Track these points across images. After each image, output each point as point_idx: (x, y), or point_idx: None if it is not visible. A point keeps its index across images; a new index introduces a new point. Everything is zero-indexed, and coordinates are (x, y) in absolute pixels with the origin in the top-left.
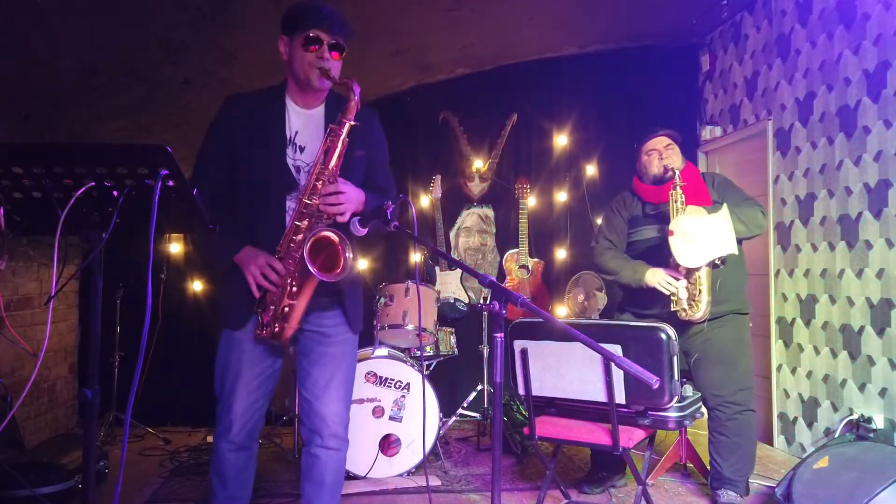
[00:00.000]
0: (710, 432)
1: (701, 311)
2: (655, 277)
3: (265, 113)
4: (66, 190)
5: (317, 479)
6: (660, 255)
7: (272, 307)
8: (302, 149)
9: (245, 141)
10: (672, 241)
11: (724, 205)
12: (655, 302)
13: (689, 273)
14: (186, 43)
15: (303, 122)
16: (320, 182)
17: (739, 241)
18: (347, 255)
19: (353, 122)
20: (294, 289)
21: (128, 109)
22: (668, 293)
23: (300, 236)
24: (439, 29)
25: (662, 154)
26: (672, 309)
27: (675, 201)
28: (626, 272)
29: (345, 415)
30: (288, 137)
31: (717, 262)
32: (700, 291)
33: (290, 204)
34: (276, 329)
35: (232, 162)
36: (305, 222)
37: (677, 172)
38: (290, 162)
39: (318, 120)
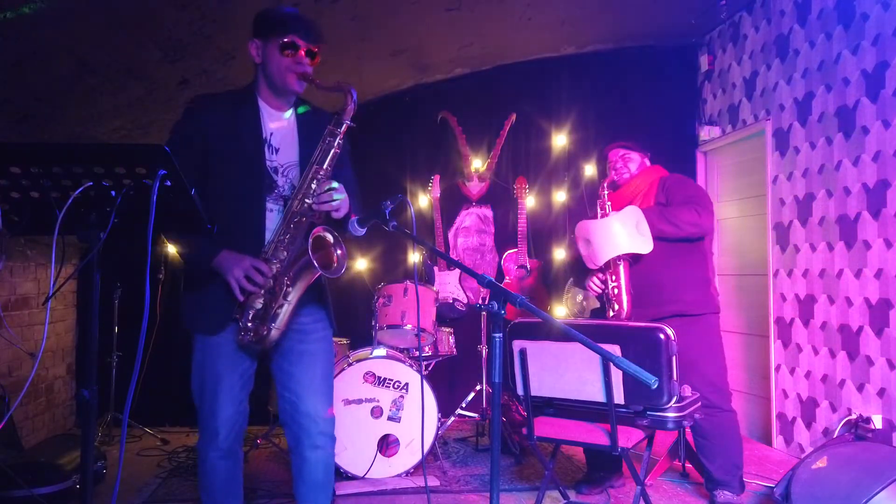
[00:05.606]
0: (694, 437)
1: (624, 309)
2: (588, 279)
3: (239, 114)
4: (63, 190)
5: (311, 479)
6: None
7: (250, 311)
8: (277, 150)
9: (220, 143)
10: (578, 245)
11: (628, 208)
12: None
13: (602, 272)
14: (185, 42)
15: (277, 124)
16: (315, 183)
17: (691, 241)
18: (339, 252)
19: (351, 124)
20: (289, 289)
21: (126, 109)
22: (593, 294)
23: (288, 236)
24: (438, 29)
25: (616, 164)
26: (607, 307)
27: (602, 209)
28: (576, 270)
29: (330, 411)
30: (264, 139)
31: (618, 262)
32: (616, 291)
33: (270, 205)
34: (264, 332)
35: (205, 164)
36: (295, 222)
37: (605, 184)
38: (267, 164)
39: (291, 121)
